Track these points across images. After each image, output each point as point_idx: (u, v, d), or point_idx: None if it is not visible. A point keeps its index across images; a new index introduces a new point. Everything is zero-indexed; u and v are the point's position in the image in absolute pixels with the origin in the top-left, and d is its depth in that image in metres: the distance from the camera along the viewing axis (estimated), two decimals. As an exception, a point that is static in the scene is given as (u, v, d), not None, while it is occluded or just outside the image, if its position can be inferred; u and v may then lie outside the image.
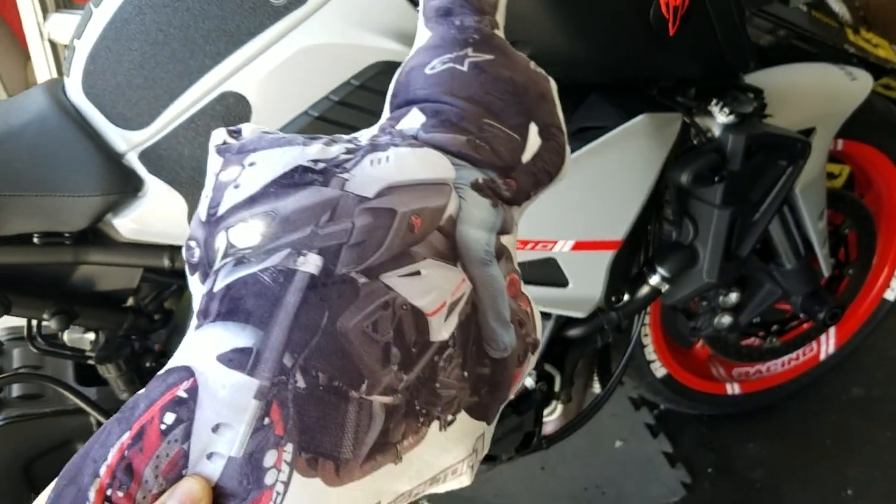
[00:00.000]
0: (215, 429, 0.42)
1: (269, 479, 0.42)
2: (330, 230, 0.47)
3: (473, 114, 0.56)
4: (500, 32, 0.62)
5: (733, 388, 1.91)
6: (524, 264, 1.07)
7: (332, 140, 0.52)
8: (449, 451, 0.50)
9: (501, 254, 0.55)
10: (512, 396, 0.56)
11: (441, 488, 0.53)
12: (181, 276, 1.13)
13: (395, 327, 0.47)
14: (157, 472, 0.42)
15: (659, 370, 1.75)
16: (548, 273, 1.10)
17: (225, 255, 0.47)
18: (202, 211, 0.50)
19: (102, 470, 0.42)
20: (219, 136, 0.52)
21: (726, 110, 1.10)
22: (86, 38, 0.92)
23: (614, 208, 1.10)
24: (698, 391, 1.86)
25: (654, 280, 1.22)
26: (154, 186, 0.99)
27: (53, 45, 1.98)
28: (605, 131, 1.04)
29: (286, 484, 0.43)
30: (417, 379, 0.47)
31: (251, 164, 0.49)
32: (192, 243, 0.50)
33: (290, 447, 0.43)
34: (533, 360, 0.58)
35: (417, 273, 0.49)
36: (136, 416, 0.43)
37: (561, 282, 1.11)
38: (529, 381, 1.25)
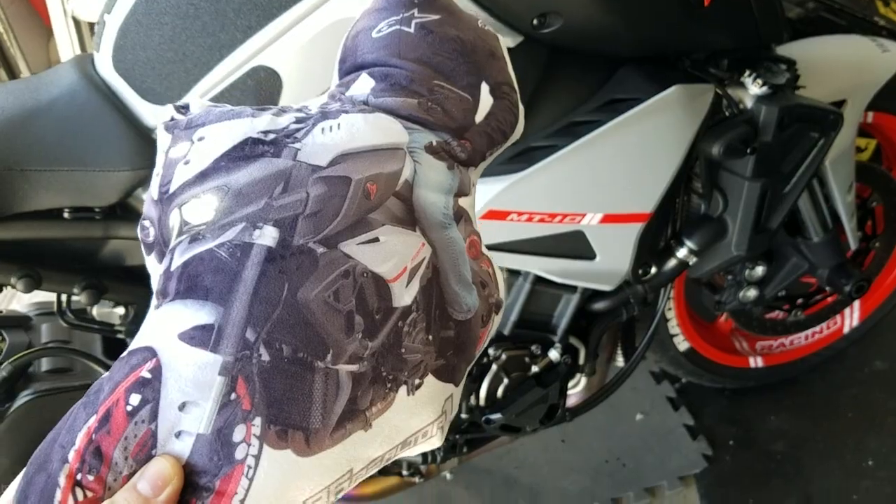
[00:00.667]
0: (182, 407, 0.42)
1: (239, 453, 0.43)
2: (284, 201, 0.46)
3: (423, 76, 0.55)
4: None
5: (756, 362, 1.90)
6: (550, 237, 1.07)
7: (282, 110, 0.50)
8: (418, 414, 0.51)
9: (460, 216, 0.55)
10: (478, 355, 0.56)
11: (412, 451, 0.54)
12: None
13: (356, 295, 0.46)
14: (126, 454, 0.42)
15: (682, 344, 1.75)
16: (575, 246, 1.09)
17: (180, 233, 0.46)
18: (154, 189, 0.49)
19: (71, 455, 0.43)
20: (166, 112, 0.51)
21: (759, 82, 1.09)
22: (116, 13, 0.91)
23: (644, 180, 1.09)
24: (721, 364, 1.85)
25: (682, 253, 1.22)
26: (183, 161, 0.99)
27: (77, 22, 1.97)
28: (637, 103, 1.03)
29: (257, 457, 0.43)
30: (382, 345, 0.48)
31: (200, 139, 0.48)
32: (147, 223, 0.50)
33: (258, 421, 0.43)
34: (497, 319, 0.58)
35: (376, 240, 0.48)
36: (102, 399, 0.44)
37: (588, 255, 1.11)
38: (554, 354, 1.25)
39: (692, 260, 1.22)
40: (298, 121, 0.50)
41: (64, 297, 1.12)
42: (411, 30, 0.56)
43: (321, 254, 0.46)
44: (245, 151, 0.47)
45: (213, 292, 0.44)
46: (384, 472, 1.40)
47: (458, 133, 0.55)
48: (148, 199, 0.50)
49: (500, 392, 1.25)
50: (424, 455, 1.33)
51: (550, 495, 1.81)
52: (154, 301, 0.48)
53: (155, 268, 0.50)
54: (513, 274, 1.18)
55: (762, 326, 1.80)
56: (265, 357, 0.43)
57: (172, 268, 0.46)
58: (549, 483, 1.84)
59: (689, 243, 1.21)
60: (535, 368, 1.26)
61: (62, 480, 0.43)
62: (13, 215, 0.97)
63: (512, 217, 1.03)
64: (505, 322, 1.21)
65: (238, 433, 0.43)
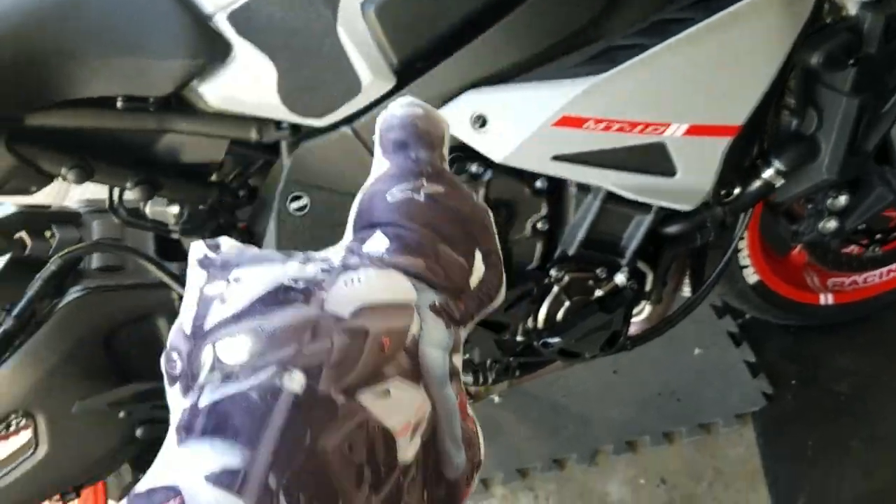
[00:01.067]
0: None
1: None
2: (313, 349, 0.48)
3: (430, 239, 0.60)
4: (446, 166, 0.67)
5: (827, 299, 1.81)
6: (628, 149, 0.98)
7: (307, 259, 0.54)
8: None
9: (454, 373, 0.58)
10: None
11: None
12: (268, 150, 1.07)
13: (367, 447, 0.49)
14: None
15: (751, 276, 1.67)
16: (654, 160, 1.01)
17: (212, 369, 0.48)
18: (186, 323, 0.50)
19: None
20: (199, 249, 0.53)
21: (866, -15, 0.98)
22: None
23: (736, 89, 0.99)
24: (790, 300, 1.77)
25: (769, 173, 1.12)
26: (242, 51, 0.92)
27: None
28: (734, 2, 0.93)
29: None
30: (384, 501, 0.49)
31: (236, 280, 0.51)
32: (174, 355, 0.50)
33: None
34: (476, 479, 0.60)
35: (387, 392, 0.51)
36: None
37: (668, 170, 1.03)
38: (621, 278, 1.17)
39: (779, 182, 1.13)
40: (324, 271, 0.53)
41: (116, 193, 1.08)
42: (421, 198, 0.61)
43: (341, 404, 0.48)
44: (279, 297, 0.50)
45: (241, 434, 0.45)
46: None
47: (455, 295, 0.60)
48: (177, 331, 0.51)
49: (560, 315, 1.19)
50: (475, 376, 1.29)
51: (599, 424, 1.77)
52: (174, 435, 0.48)
53: (177, 401, 0.50)
54: (582, 190, 1.10)
55: (837, 261, 1.70)
56: (283, 501, 0.45)
57: (201, 405, 0.48)
58: (598, 412, 1.80)
59: (778, 163, 1.11)
60: (598, 292, 1.19)
61: None
62: (65, 102, 0.92)
63: (588, 125, 0.95)
64: (570, 242, 1.14)
65: None
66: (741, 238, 1.55)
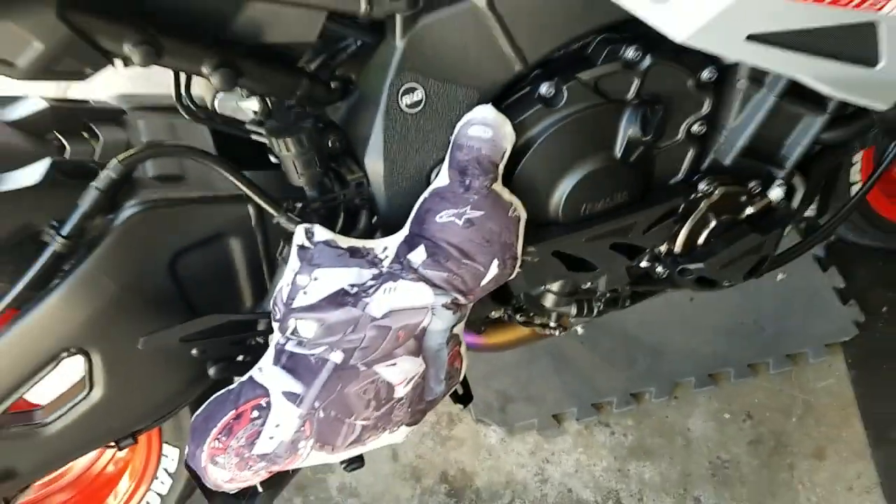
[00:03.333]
0: (276, 426, 0.85)
1: (300, 451, 0.87)
2: (352, 338, 0.83)
3: (456, 256, 0.83)
4: (497, 185, 0.85)
5: (928, 220, 1.66)
6: (836, 30, 0.80)
7: (371, 263, 0.84)
8: (391, 442, 0.94)
9: (452, 338, 0.90)
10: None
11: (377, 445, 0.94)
12: (371, 31, 0.87)
13: (374, 392, 0.86)
14: (242, 436, 0.85)
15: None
16: (857, 44, 0.82)
17: (294, 332, 0.84)
18: (284, 295, 0.84)
19: (215, 429, 0.86)
20: (300, 235, 0.84)
21: None
22: None
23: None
24: (890, 221, 1.62)
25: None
26: None
27: None
28: None
29: (307, 454, 0.88)
30: (382, 413, 0.88)
31: (315, 279, 0.83)
32: (276, 310, 0.84)
33: (311, 441, 0.87)
34: (451, 390, 0.97)
35: (395, 364, 0.86)
36: (237, 403, 0.86)
37: (870, 59, 0.84)
38: (777, 192, 1.00)
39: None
40: (374, 277, 0.84)
41: (183, 80, 0.87)
42: (461, 223, 0.83)
43: (362, 371, 0.85)
44: (338, 299, 0.83)
45: (303, 378, 0.84)
46: (521, 324, 1.20)
47: (466, 293, 0.86)
48: (278, 295, 0.84)
49: (702, 237, 1.02)
50: (580, 307, 1.12)
51: (677, 356, 1.63)
52: (272, 351, 0.87)
53: (277, 335, 0.86)
54: (754, 84, 0.91)
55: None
56: (321, 415, 0.85)
57: (286, 349, 0.85)
58: (675, 343, 1.66)
59: None
60: (749, 210, 1.02)
61: (208, 440, 0.86)
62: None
63: (797, -5, 0.75)
64: (728, 149, 0.96)
65: (301, 444, 0.87)
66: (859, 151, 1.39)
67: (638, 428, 1.56)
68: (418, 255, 0.83)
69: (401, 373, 0.86)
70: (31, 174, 0.86)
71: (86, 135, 1.01)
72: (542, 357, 1.63)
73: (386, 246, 0.85)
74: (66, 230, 0.83)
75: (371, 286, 0.83)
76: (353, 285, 0.82)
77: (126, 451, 1.25)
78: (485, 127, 0.83)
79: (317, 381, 0.84)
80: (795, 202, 1.07)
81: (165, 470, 1.22)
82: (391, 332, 0.83)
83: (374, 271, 0.83)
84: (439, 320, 0.86)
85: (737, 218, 1.02)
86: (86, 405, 0.95)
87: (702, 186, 0.97)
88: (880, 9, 0.79)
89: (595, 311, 1.13)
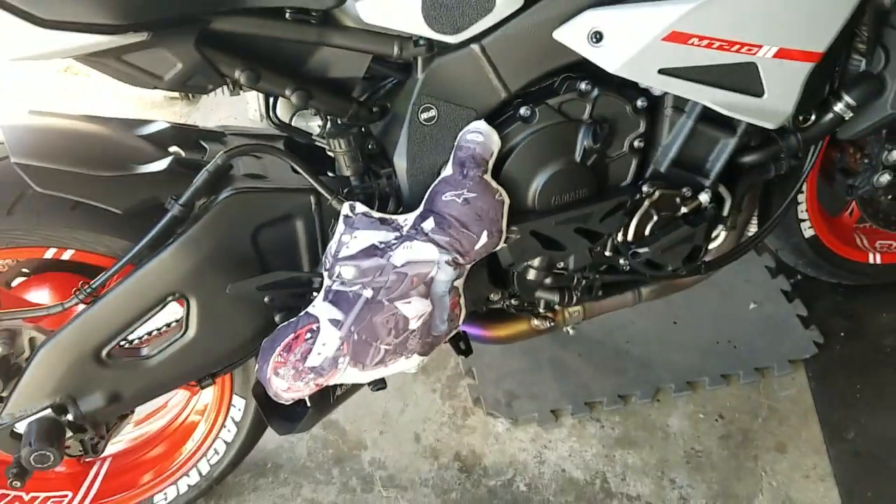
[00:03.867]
0: (323, 345, 1.16)
1: (339, 366, 1.18)
2: (378, 280, 1.16)
3: (456, 225, 1.16)
4: (487, 176, 1.20)
5: (875, 258, 1.95)
6: (725, 67, 1.13)
7: (395, 228, 1.18)
8: (408, 366, 1.24)
9: (453, 289, 1.21)
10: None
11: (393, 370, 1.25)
12: (402, 70, 1.23)
13: (394, 322, 1.17)
14: (298, 353, 1.17)
15: (808, 231, 1.80)
16: (745, 79, 1.16)
17: (338, 276, 1.17)
18: (332, 250, 1.18)
19: (279, 347, 1.19)
20: (346, 209, 1.18)
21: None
22: None
23: (821, 17, 1.14)
24: (841, 257, 1.91)
25: (839, 107, 1.27)
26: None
27: None
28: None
29: (345, 369, 1.19)
30: (400, 341, 1.19)
31: (355, 237, 1.16)
32: (326, 261, 1.20)
33: (347, 359, 1.18)
34: (454, 329, 1.26)
35: (409, 302, 1.17)
36: (298, 328, 1.18)
37: (757, 90, 1.17)
38: (704, 197, 1.32)
39: (848, 115, 1.28)
40: (397, 238, 1.17)
41: (271, 101, 1.24)
42: (460, 201, 1.17)
43: (386, 305, 1.17)
44: (370, 252, 1.16)
45: (343, 308, 1.17)
46: (517, 316, 1.51)
47: (464, 254, 1.19)
48: (329, 250, 1.19)
49: (647, 229, 1.34)
50: (562, 294, 1.43)
51: (661, 367, 1.91)
52: (323, 291, 1.20)
53: (326, 280, 1.20)
54: (677, 111, 1.25)
55: (887, 220, 1.83)
56: (356, 337, 1.16)
57: (332, 288, 1.18)
58: (659, 357, 1.94)
59: (848, 98, 1.26)
60: (684, 209, 1.34)
61: (274, 356, 1.19)
62: (244, 10, 1.08)
63: (693, 41, 1.10)
64: (662, 160, 1.29)
65: (340, 360, 1.18)
66: (801, 192, 1.70)
67: (624, 423, 1.82)
68: (429, 224, 1.16)
69: (414, 309, 1.17)
70: (158, 165, 1.21)
71: (196, 149, 1.39)
72: (545, 365, 1.93)
73: (406, 218, 1.18)
74: (182, 200, 1.18)
75: (394, 244, 1.16)
76: (381, 242, 1.16)
77: (204, 401, 1.57)
78: (479, 134, 1.18)
79: (353, 311, 1.16)
80: (726, 210, 1.39)
81: (233, 419, 1.52)
82: (407, 278, 1.15)
83: (397, 234, 1.16)
84: (443, 273, 1.18)
85: (674, 214, 1.33)
86: (181, 343, 1.27)
87: (645, 188, 1.30)
88: (755, 53, 1.13)
89: (574, 298, 1.44)
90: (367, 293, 1.16)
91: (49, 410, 1.26)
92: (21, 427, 1.27)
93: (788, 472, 1.71)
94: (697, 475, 1.72)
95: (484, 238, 1.18)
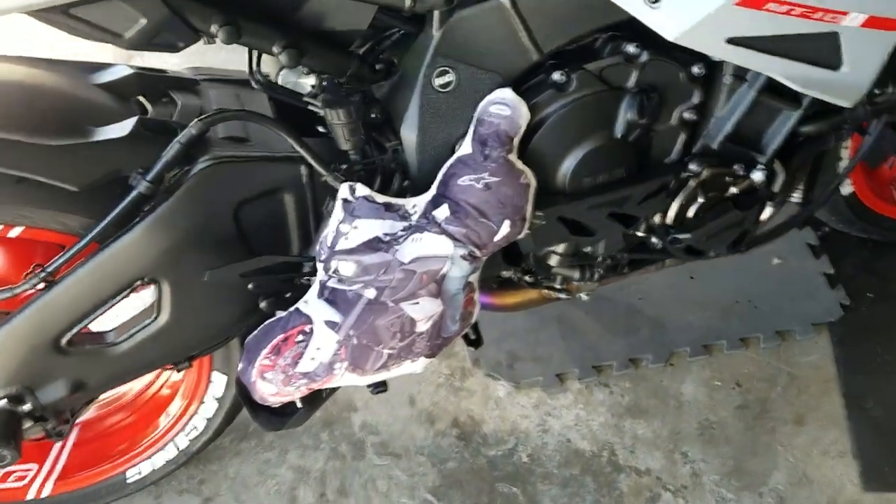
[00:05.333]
0: (317, 349, 1.01)
1: (335, 371, 1.03)
2: (383, 278, 0.99)
3: (473, 215, 0.99)
4: (512, 156, 1.01)
5: (911, 214, 1.80)
6: (802, 36, 0.94)
7: (402, 217, 1.00)
8: (411, 371, 1.10)
9: (467, 285, 1.05)
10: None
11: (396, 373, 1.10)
12: (413, 22, 1.02)
13: (400, 325, 1.01)
14: (288, 357, 1.03)
15: (846, 187, 1.64)
16: (824, 51, 0.97)
17: (335, 272, 1.00)
18: (328, 240, 1.00)
19: (265, 349, 1.04)
20: (345, 191, 1.00)
21: None
22: None
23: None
24: (877, 213, 1.76)
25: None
26: None
27: None
28: None
29: (342, 375, 1.05)
30: (405, 345, 1.04)
31: (355, 228, 0.98)
32: (321, 253, 1.01)
33: (345, 363, 1.03)
34: (464, 330, 1.13)
35: (418, 303, 1.01)
36: (285, 328, 1.03)
37: (834, 63, 0.98)
38: (758, 176, 1.15)
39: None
40: (404, 229, 0.99)
41: (255, 57, 1.03)
42: (479, 186, 0.98)
43: (390, 307, 1.00)
44: (373, 246, 0.98)
45: (341, 308, 1.01)
46: (530, 284, 1.35)
47: (481, 247, 1.02)
48: (323, 241, 1.01)
49: (691, 211, 1.17)
50: (582, 272, 1.28)
51: (675, 328, 1.78)
52: (317, 285, 1.04)
53: (321, 274, 1.03)
54: (737, 80, 1.06)
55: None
56: (354, 342, 1.02)
57: (328, 285, 1.02)
58: (674, 316, 1.81)
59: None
60: (733, 190, 1.17)
61: (260, 359, 1.05)
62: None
63: (769, 6, 0.90)
64: (715, 135, 1.11)
65: (336, 366, 1.03)
66: (845, 147, 1.52)
67: (634, 390, 1.71)
68: (442, 212, 0.99)
69: (422, 310, 1.01)
70: (120, 128, 1.01)
71: (165, 100, 1.18)
72: (551, 324, 1.79)
73: (415, 204, 1.01)
74: (150, 175, 0.99)
75: (401, 236, 0.98)
76: (386, 234, 0.98)
77: (181, 374, 1.43)
78: (504, 106, 0.98)
79: (353, 313, 1.00)
80: (777, 186, 1.22)
81: (213, 396, 1.39)
82: (416, 276, 0.99)
83: (405, 224, 0.99)
84: (457, 268, 1.01)
85: (722, 196, 1.16)
86: (152, 329, 1.12)
87: (692, 167, 1.12)
88: (840, 21, 0.93)
89: (596, 275, 1.29)
90: (370, 293, 1.00)
91: (4, 402, 1.12)
92: (-27, 419, 1.12)
93: (807, 446, 1.62)
94: (711, 449, 1.61)
95: (505, 228, 1.01)
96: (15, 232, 1.06)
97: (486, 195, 0.98)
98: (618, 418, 1.66)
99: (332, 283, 1.01)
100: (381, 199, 1.00)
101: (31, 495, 1.40)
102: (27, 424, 1.16)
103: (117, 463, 1.45)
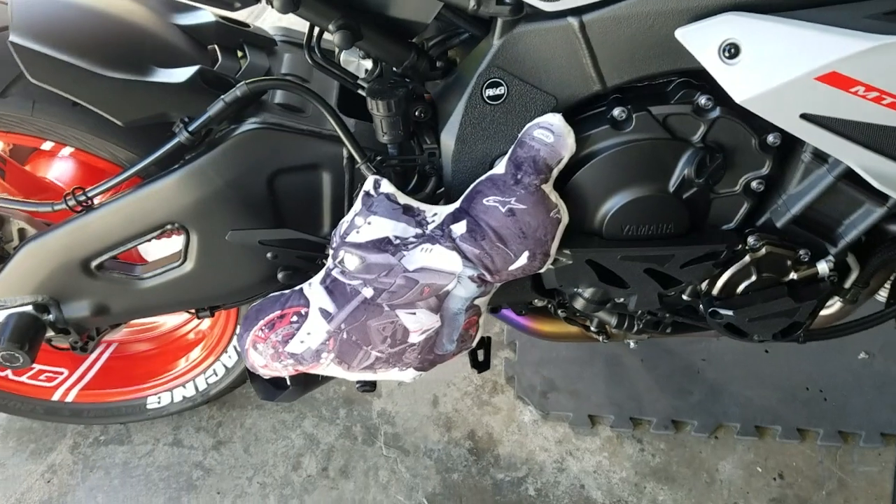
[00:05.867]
0: (307, 333, 1.01)
1: (322, 360, 1.03)
2: (383, 280, 0.96)
3: (492, 237, 0.93)
4: (546, 186, 0.94)
5: None
6: (884, 128, 0.83)
7: (418, 223, 0.95)
8: (401, 378, 1.08)
9: (473, 308, 1.01)
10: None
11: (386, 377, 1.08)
12: (479, 24, 0.98)
13: (392, 331, 0.99)
14: (280, 333, 1.03)
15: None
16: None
17: (341, 262, 0.97)
18: (342, 229, 0.98)
19: (262, 321, 1.05)
20: (369, 184, 0.97)
21: None
22: None
23: None
24: None
25: None
26: None
27: None
28: None
29: (328, 365, 1.04)
30: (395, 352, 1.02)
31: (369, 223, 0.95)
32: (334, 240, 0.99)
33: (332, 355, 1.02)
34: (460, 353, 1.08)
35: (414, 313, 0.98)
36: (284, 306, 1.03)
37: (927, 166, 0.86)
38: (823, 267, 1.03)
39: None
40: (416, 236, 0.95)
41: (316, 32, 1.02)
42: (503, 210, 0.92)
43: (385, 311, 0.98)
44: (381, 246, 0.95)
45: (337, 301, 0.99)
46: (568, 319, 1.28)
47: (494, 273, 0.97)
48: (338, 229, 0.99)
49: (740, 287, 1.07)
50: (621, 320, 1.20)
51: (731, 399, 1.66)
52: (324, 271, 1.03)
53: (329, 260, 1.00)
54: (818, 159, 0.95)
55: None
56: (344, 336, 1.00)
57: (332, 274, 1.00)
58: (733, 387, 1.68)
59: None
60: (793, 275, 1.05)
61: (254, 328, 1.05)
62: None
63: (857, 90, 0.79)
64: (782, 212, 1.00)
65: (323, 355, 1.02)
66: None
67: (668, 453, 1.60)
68: (459, 228, 0.94)
69: (417, 322, 0.98)
70: (180, 74, 1.03)
71: (239, 53, 1.19)
72: (598, 361, 1.71)
73: (436, 213, 0.96)
74: (191, 127, 1.00)
75: (412, 242, 0.95)
76: (397, 237, 0.95)
77: (208, 323, 1.46)
78: (549, 132, 0.92)
79: (347, 307, 0.98)
80: (849, 283, 1.10)
81: (234, 347, 1.41)
82: (417, 286, 0.95)
83: (418, 230, 0.95)
84: (463, 288, 0.97)
85: (779, 279, 1.05)
86: (177, 273, 1.14)
87: (750, 240, 1.02)
88: (942, 120, 0.81)
89: (635, 327, 1.20)
90: (367, 292, 0.97)
91: (30, 307, 1.17)
92: (2, 317, 1.18)
93: (836, 564, 1.47)
94: (730, 538, 1.50)
95: (524, 259, 0.96)
96: (66, 151, 1.10)
97: (508, 221, 0.93)
98: (641, 477, 1.57)
99: (335, 273, 0.99)
100: (402, 200, 0.96)
101: (55, 397, 1.47)
102: (50, 333, 1.22)
103: (140, 388, 1.50)
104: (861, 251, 1.07)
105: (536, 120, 0.94)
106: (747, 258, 1.03)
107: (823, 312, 1.20)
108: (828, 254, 1.03)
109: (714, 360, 1.72)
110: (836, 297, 1.15)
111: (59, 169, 1.31)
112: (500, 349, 1.75)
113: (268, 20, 1.25)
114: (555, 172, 0.94)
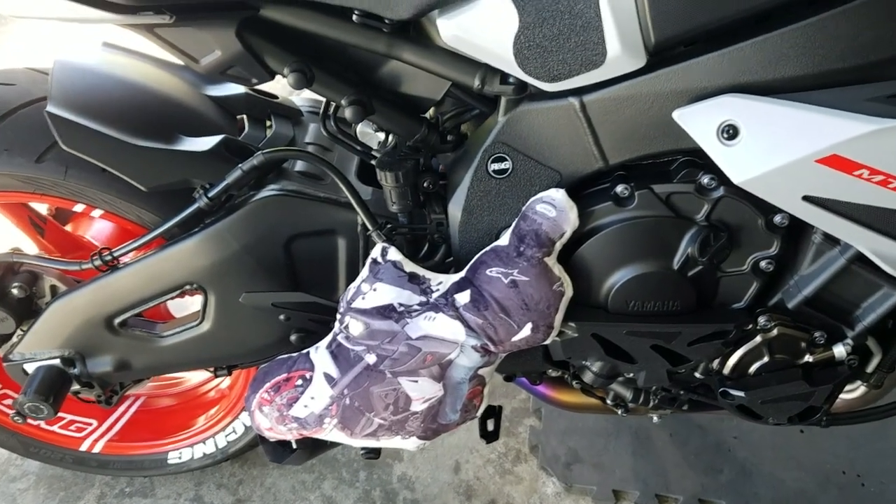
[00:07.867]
0: (311, 398, 1.02)
1: (325, 425, 1.03)
2: (387, 347, 0.97)
3: (495, 308, 0.94)
4: (549, 259, 0.94)
5: None
6: (892, 212, 0.81)
7: (423, 291, 0.97)
8: (404, 446, 1.07)
9: (474, 377, 1.00)
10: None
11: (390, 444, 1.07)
12: (487, 101, 1.00)
13: (394, 399, 0.99)
14: (286, 396, 1.03)
15: None
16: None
17: (346, 327, 0.99)
18: (348, 295, 0.99)
19: (268, 383, 1.06)
20: (377, 251, 0.99)
21: None
22: None
23: None
24: None
25: None
26: (491, -8, 0.85)
27: None
28: None
29: (330, 429, 1.04)
30: (398, 420, 1.01)
31: (374, 290, 0.97)
32: (341, 305, 1.00)
33: (335, 420, 1.02)
34: (465, 422, 1.06)
35: (416, 381, 0.98)
36: (290, 369, 1.05)
37: (938, 251, 0.84)
38: (840, 351, 1.00)
39: None
40: (421, 304, 0.96)
41: (332, 106, 1.05)
42: (506, 281, 0.93)
43: (387, 378, 0.98)
44: (385, 313, 0.96)
45: (342, 365, 1.00)
46: (585, 390, 1.26)
47: (497, 343, 0.97)
48: (344, 295, 1.01)
49: (753, 368, 1.04)
50: (636, 395, 1.18)
51: (764, 481, 1.59)
52: (330, 336, 1.04)
53: (336, 324, 1.02)
54: (829, 241, 0.93)
55: None
56: (347, 402, 1.01)
57: (337, 338, 1.02)
58: (765, 467, 1.62)
59: None
60: (808, 358, 1.02)
61: (260, 391, 1.06)
62: (304, 2, 0.89)
63: (861, 173, 0.78)
64: (794, 293, 0.98)
65: (326, 420, 1.03)
66: None
67: (693, 534, 1.55)
68: (463, 297, 0.95)
69: (420, 390, 0.98)
70: (204, 143, 1.07)
71: (267, 123, 1.24)
72: (625, 434, 1.67)
73: (441, 281, 0.98)
74: (211, 193, 1.04)
75: (416, 310, 0.96)
76: (401, 304, 0.96)
77: (228, 382, 1.49)
78: (551, 207, 0.93)
79: (350, 373, 0.99)
80: (871, 367, 1.06)
81: (254, 407, 1.43)
82: (420, 353, 0.96)
83: (423, 299, 0.96)
84: (466, 358, 0.97)
85: (793, 361, 1.02)
86: (195, 332, 1.18)
87: (761, 320, 0.99)
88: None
89: (650, 402, 1.18)
90: (370, 358, 0.98)
91: (58, 361, 1.22)
92: (32, 369, 1.23)
93: None
94: None
95: (527, 330, 0.95)
96: (96, 213, 1.15)
97: (511, 292, 0.93)
98: (664, 558, 1.52)
99: (340, 338, 1.00)
100: (409, 267, 0.98)
101: (83, 447, 1.51)
102: (76, 387, 1.26)
103: (162, 443, 1.53)
104: (884, 334, 1.03)
105: (540, 194, 0.95)
106: (758, 338, 1.01)
107: (850, 395, 1.16)
108: (845, 337, 1.00)
109: (746, 437, 1.66)
110: (862, 383, 1.11)
111: (96, 229, 1.37)
112: (525, 416, 1.73)
113: (305, 91, 1.29)
114: (557, 246, 0.94)
